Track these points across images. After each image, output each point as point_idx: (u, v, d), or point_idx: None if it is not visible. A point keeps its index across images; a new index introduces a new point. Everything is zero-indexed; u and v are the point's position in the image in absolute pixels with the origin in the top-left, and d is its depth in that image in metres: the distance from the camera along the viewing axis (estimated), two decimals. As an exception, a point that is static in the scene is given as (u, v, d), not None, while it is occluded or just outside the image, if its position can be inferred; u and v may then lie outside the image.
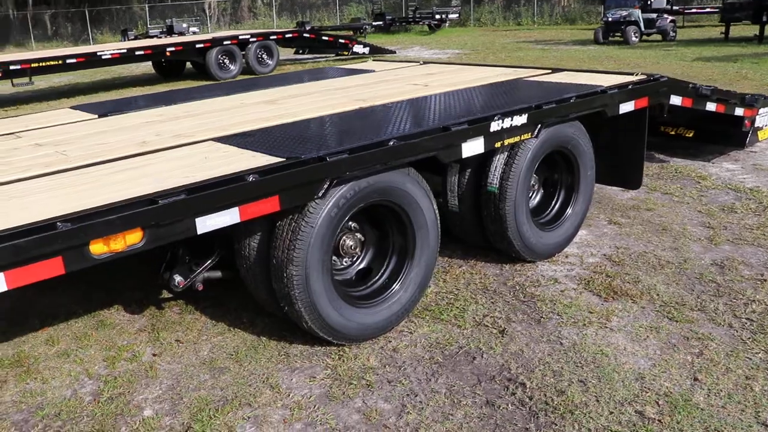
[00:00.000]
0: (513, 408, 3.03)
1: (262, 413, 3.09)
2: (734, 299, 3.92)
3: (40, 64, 12.85)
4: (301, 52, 19.22)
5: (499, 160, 4.14)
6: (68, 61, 13.22)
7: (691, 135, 6.89)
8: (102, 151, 3.57)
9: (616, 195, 5.79)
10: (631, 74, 5.06)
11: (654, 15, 20.02)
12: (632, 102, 4.72)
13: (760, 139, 6.91)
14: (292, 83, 5.52)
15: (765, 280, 4.13)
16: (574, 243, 4.82)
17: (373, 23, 29.28)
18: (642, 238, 4.88)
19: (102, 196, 2.70)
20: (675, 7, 22.92)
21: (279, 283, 3.32)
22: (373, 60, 7.49)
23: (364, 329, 3.54)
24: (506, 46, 21.05)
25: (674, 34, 20.17)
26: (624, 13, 19.77)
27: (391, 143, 3.30)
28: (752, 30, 18.38)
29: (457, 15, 30.07)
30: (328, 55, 19.16)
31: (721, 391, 3.06)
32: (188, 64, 16.94)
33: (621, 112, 4.66)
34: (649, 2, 20.51)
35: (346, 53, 18.44)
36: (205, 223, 2.80)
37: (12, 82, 12.81)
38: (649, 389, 3.10)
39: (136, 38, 25.52)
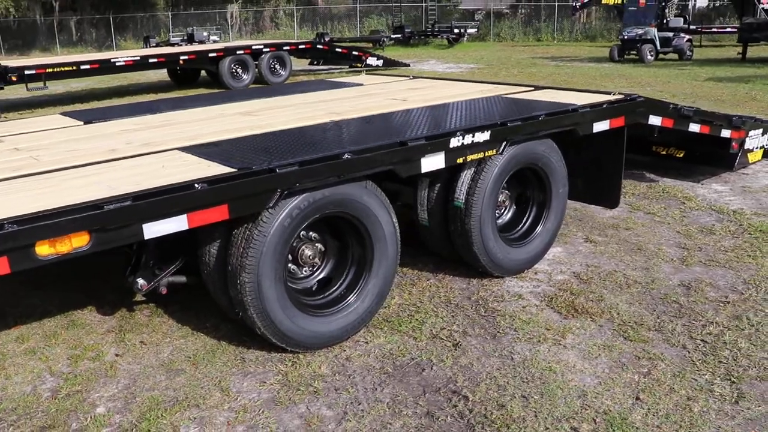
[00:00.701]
0: (452, 420, 3.08)
1: (208, 415, 3.17)
2: (693, 321, 3.94)
3: (55, 70, 13.15)
4: (315, 63, 19.40)
5: (466, 176, 4.20)
6: (82, 67, 13.51)
7: (681, 155, 6.90)
8: (72, 157, 3.69)
9: (598, 213, 5.81)
10: (609, 93, 5.10)
11: (670, 34, 19.96)
12: (607, 121, 4.75)
13: (750, 161, 6.89)
14: (275, 95, 5.63)
15: (728, 303, 4.14)
16: (546, 260, 4.86)
17: (392, 36, 29.47)
18: (615, 257, 4.91)
19: (56, 199, 2.81)
20: (692, 27, 22.83)
21: (233, 290, 3.41)
22: (366, 73, 7.59)
23: (317, 337, 3.61)
24: (521, 61, 21.09)
25: (690, 53, 20.07)
26: (640, 31, 19.74)
27: (346, 156, 3.38)
28: (769, 51, 18.27)
29: (476, 29, 30.16)
30: (342, 67, 19.32)
31: (660, 411, 3.08)
32: (203, 72, 17.18)
33: (595, 130, 4.70)
34: (665, 21, 20.47)
35: (359, 65, 18.58)
36: (152, 229, 2.89)
37: (26, 86, 13.11)
38: (589, 407, 3.13)
39: (157, 45, 25.93)
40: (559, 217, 4.78)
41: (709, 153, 6.72)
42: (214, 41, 25.62)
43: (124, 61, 14.00)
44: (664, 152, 7.01)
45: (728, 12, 29.39)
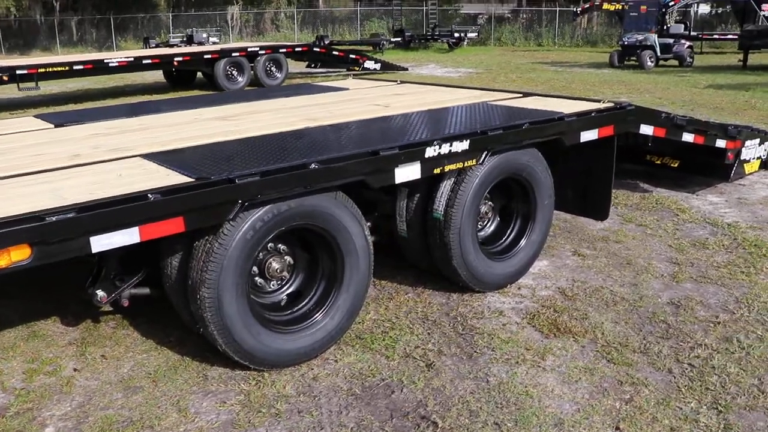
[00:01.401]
0: (418, 448, 2.90)
1: (161, 439, 3.00)
2: (681, 342, 3.75)
3: (47, 70, 12.99)
4: (313, 66, 19.24)
5: (445, 186, 4.02)
6: (75, 67, 13.34)
7: (676, 165, 6.72)
8: (32, 162, 3.52)
9: (588, 225, 5.62)
10: (599, 101, 4.92)
11: (671, 40, 19.81)
12: (595, 130, 4.58)
13: (747, 172, 6.71)
14: (258, 99, 5.46)
15: (718, 323, 3.96)
16: (531, 274, 4.68)
17: (392, 39, 29.30)
18: (602, 272, 4.72)
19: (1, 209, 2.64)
20: (693, 33, 22.66)
21: (194, 305, 3.24)
22: (353, 78, 7.42)
23: (283, 355, 3.44)
24: (520, 66, 20.92)
25: (691, 59, 19.91)
26: (640, 37, 19.57)
27: (312, 166, 3.20)
28: (770, 59, 18.10)
29: (477, 34, 30.01)
30: (340, 70, 19.16)
31: (641, 441, 2.90)
32: (199, 74, 17.02)
33: (583, 140, 4.53)
34: (666, 27, 20.30)
35: (357, 68, 18.42)
36: (100, 242, 2.72)
37: (18, 86, 12.95)
38: (565, 436, 2.95)
39: (157, 46, 25.79)
40: (544, 230, 4.60)
41: (704, 163, 6.54)
42: (214, 43, 25.49)
43: (118, 62, 13.84)
44: (658, 161, 6.83)
45: (730, 19, 29.21)
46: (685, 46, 19.94)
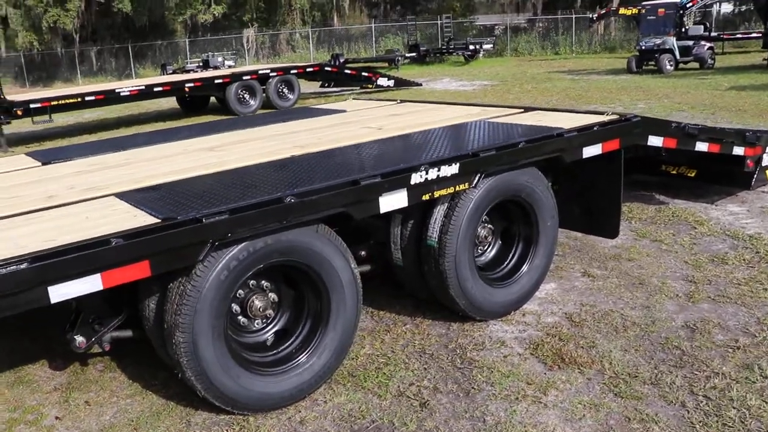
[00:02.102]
0: (406, 501, 2.69)
1: (135, 497, 2.83)
2: (696, 371, 3.49)
3: (60, 102, 13.07)
4: (326, 85, 19.19)
5: (438, 212, 3.83)
6: (87, 98, 13.41)
7: (693, 175, 6.42)
8: (6, 206, 3.40)
9: (599, 243, 5.37)
10: (603, 113, 4.70)
11: (690, 42, 19.39)
12: (599, 145, 4.35)
13: (769, 178, 6.39)
14: (250, 126, 5.32)
15: (737, 348, 3.69)
16: (537, 298, 4.45)
17: (407, 55, 29.24)
18: (613, 294, 4.47)
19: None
20: (714, 33, 22.20)
21: (170, 349, 3.08)
22: (353, 99, 7.27)
23: (267, 399, 3.25)
24: (536, 76, 20.65)
25: (712, 61, 19.46)
26: (658, 41, 19.20)
27: (288, 200, 3.03)
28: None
29: (492, 45, 29.77)
30: (353, 89, 19.07)
31: (649, 488, 2.66)
32: (213, 98, 17.05)
33: (585, 156, 4.31)
34: (684, 29, 19.90)
35: (370, 86, 18.32)
36: (59, 292, 2.57)
37: (32, 119, 13.05)
38: (566, 483, 2.72)
39: (174, 72, 26.02)
40: (548, 253, 4.37)
41: (723, 171, 6.22)
42: (229, 66, 25.60)
43: (129, 90, 13.89)
44: (674, 171, 6.53)
45: (753, 17, 28.61)
46: (706, 47, 19.50)
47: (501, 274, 4.27)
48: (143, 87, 14.24)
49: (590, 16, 27.05)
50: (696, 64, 19.45)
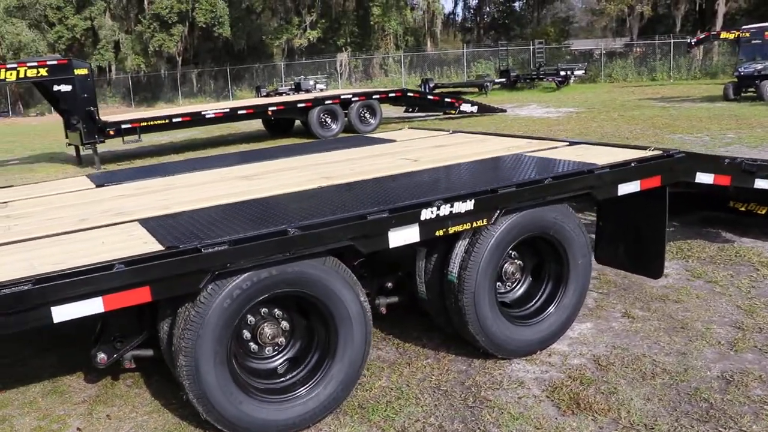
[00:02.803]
0: None
1: None
2: (721, 427, 3.28)
3: (149, 123, 13.85)
4: (410, 110, 19.36)
5: (459, 247, 3.80)
6: (174, 120, 14.15)
7: (764, 212, 6.06)
8: (38, 228, 3.63)
9: (647, 282, 5.13)
10: (645, 149, 4.52)
11: (796, 69, 18.30)
12: (636, 182, 4.20)
13: None
14: (290, 155, 5.46)
15: (772, 404, 3.44)
16: (568, 337, 4.31)
17: (496, 80, 29.12)
18: (650, 338, 4.27)
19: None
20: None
21: (175, 371, 3.20)
22: (409, 127, 7.31)
23: (269, 427, 3.30)
24: (625, 103, 20.05)
25: (820, 90, 18.26)
26: (759, 66, 18.24)
27: (292, 232, 3.10)
28: None
29: (584, 71, 29.15)
30: (437, 114, 19.16)
31: None
32: (297, 121, 17.55)
33: (620, 193, 4.16)
34: (790, 55, 18.83)
35: (453, 112, 18.35)
36: (62, 312, 2.73)
37: (123, 139, 13.87)
38: None
39: (267, 94, 27.02)
40: (579, 293, 4.22)
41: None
42: (320, 89, 26.29)
43: (214, 113, 14.53)
44: (743, 208, 6.18)
45: None
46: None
47: (527, 312, 4.17)
48: (227, 110, 14.86)
49: (689, 41, 26.05)
50: (802, 93, 18.32)
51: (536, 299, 4.21)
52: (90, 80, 13.12)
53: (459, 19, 50.02)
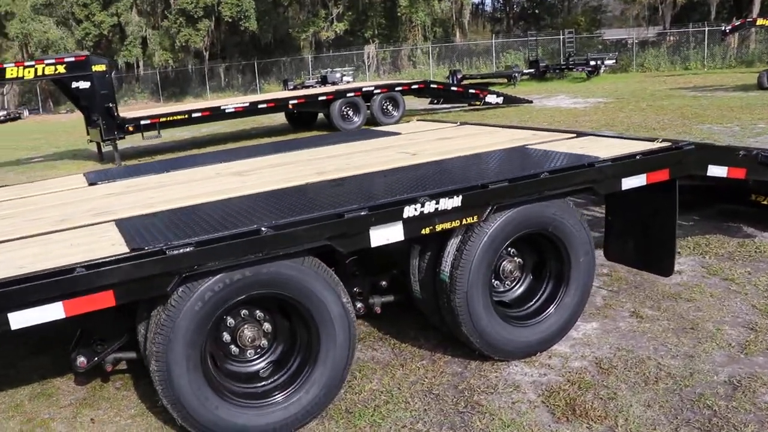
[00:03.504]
0: None
1: None
2: (724, 436, 3.08)
3: (168, 119, 13.86)
4: (435, 102, 19.11)
5: (451, 246, 3.64)
6: (194, 115, 14.14)
7: (788, 206, 5.77)
8: (22, 228, 3.56)
9: (660, 279, 4.89)
10: (653, 141, 4.30)
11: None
12: (642, 176, 3.98)
13: None
14: (290, 150, 5.33)
15: (782, 413, 3.22)
16: (571, 338, 4.12)
17: (525, 71, 28.67)
18: (657, 339, 4.06)
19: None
20: None
21: (152, 376, 3.10)
22: (418, 120, 7.13)
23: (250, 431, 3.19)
24: (656, 93, 19.53)
25: None
26: (795, 54, 17.59)
27: (264, 232, 2.97)
28: None
29: (614, 61, 28.50)
30: (462, 105, 18.88)
31: None
32: (321, 114, 17.44)
33: (625, 187, 3.95)
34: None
35: (478, 103, 18.07)
36: (20, 318, 2.64)
37: (143, 135, 13.91)
38: None
39: (294, 87, 26.95)
40: (581, 292, 4.03)
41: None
42: (347, 82, 26.12)
43: (234, 107, 14.49)
44: (765, 202, 5.89)
45: None
46: None
47: (527, 312, 3.99)
48: (248, 104, 14.80)
49: (723, 28, 25.27)
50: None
51: (536, 298, 4.03)
52: (108, 76, 13.16)
53: (488, 9, 49.49)
